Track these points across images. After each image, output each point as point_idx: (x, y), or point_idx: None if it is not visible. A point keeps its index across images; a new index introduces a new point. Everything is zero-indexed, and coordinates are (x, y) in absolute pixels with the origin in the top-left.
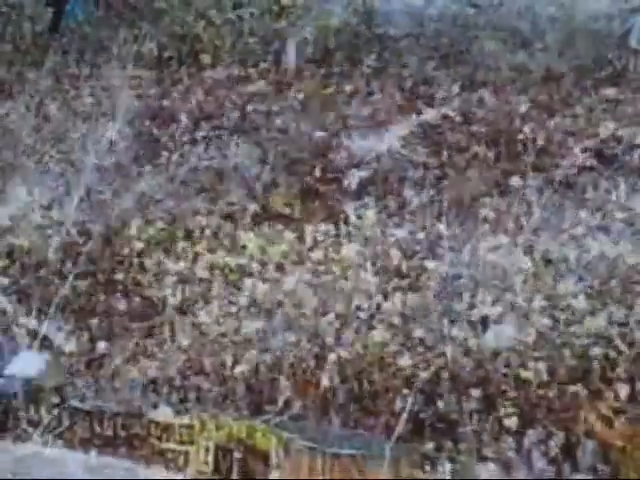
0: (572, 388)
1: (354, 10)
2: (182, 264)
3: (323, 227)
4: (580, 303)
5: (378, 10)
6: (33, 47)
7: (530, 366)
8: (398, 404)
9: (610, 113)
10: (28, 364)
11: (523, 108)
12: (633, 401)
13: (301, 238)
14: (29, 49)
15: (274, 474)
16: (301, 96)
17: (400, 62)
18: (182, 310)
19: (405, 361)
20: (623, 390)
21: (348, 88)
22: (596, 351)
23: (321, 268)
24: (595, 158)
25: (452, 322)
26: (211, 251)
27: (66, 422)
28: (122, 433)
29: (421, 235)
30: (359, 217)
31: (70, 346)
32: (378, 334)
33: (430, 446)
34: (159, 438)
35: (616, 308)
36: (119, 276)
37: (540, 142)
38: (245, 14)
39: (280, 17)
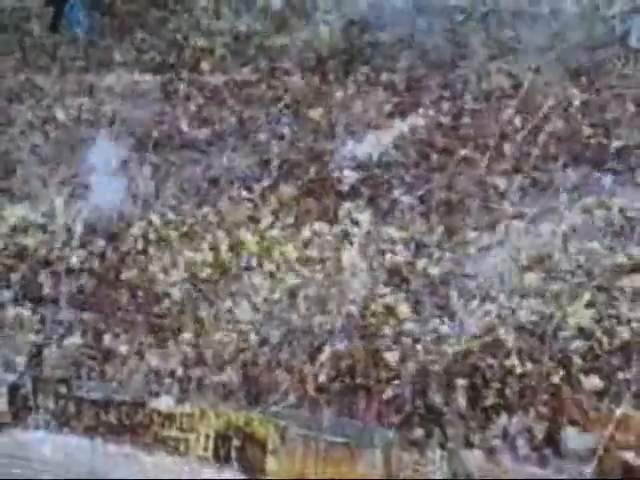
0: (555, 379)
1: (346, 18)
2: (183, 263)
3: (318, 227)
4: (564, 299)
5: (370, 17)
6: (41, 54)
7: (516, 359)
8: (389, 394)
9: (592, 117)
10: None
11: (510, 112)
12: (613, 391)
13: (297, 238)
14: (37, 56)
15: (270, 460)
16: (297, 102)
17: (391, 68)
18: (184, 305)
19: (396, 354)
20: (603, 381)
21: (341, 94)
22: (578, 344)
23: (316, 267)
24: (579, 160)
25: (441, 317)
26: (211, 250)
27: (72, 411)
28: (126, 421)
29: (412, 235)
30: (352, 218)
31: (77, 339)
32: (371, 329)
33: (419, 433)
34: (161, 426)
35: (599, 304)
36: (124, 273)
37: (526, 145)
38: (243, 23)
39: (277, 25)
